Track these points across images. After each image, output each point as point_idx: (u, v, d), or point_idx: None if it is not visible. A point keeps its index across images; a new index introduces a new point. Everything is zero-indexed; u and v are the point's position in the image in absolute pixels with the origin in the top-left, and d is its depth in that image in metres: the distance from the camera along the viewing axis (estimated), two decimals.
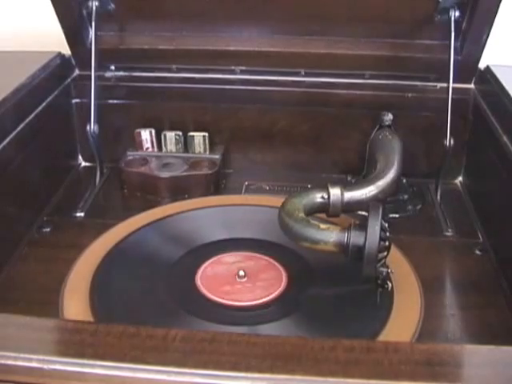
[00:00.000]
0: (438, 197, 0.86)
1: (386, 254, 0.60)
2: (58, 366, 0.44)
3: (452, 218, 0.83)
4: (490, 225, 0.80)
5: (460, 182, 0.92)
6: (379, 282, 0.61)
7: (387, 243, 0.60)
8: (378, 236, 0.58)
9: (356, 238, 0.60)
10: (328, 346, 0.44)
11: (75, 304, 0.63)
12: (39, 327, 0.48)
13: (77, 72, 0.94)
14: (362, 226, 0.60)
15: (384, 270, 0.61)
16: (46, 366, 0.44)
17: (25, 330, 0.47)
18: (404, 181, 0.87)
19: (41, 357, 0.44)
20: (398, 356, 0.44)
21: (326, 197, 0.67)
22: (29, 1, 1.00)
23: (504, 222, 0.75)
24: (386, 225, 0.61)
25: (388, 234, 0.60)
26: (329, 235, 0.61)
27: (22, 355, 0.44)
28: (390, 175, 0.72)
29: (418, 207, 0.84)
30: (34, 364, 0.44)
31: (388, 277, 0.62)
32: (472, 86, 0.89)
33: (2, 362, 0.44)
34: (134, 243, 0.73)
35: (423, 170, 0.90)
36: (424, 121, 0.89)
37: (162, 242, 0.74)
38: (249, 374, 0.42)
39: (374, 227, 0.58)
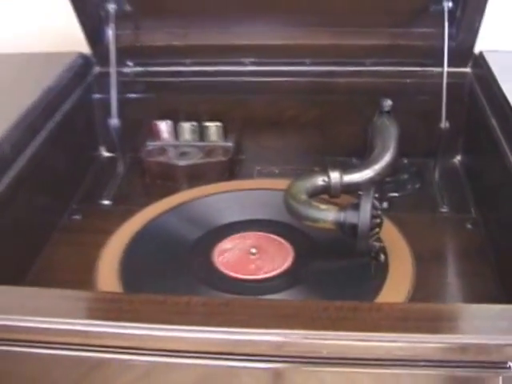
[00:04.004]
0: (436, 175, 0.96)
1: (377, 230, 0.72)
2: (103, 329, 0.54)
3: (448, 195, 0.92)
4: (481, 201, 0.89)
5: (458, 161, 1.01)
6: (373, 255, 0.72)
7: (379, 220, 0.72)
8: (369, 214, 0.69)
9: (351, 216, 0.71)
10: (322, 307, 0.55)
11: (107, 279, 0.73)
12: (86, 298, 0.60)
13: (97, 69, 1.03)
14: (357, 205, 0.71)
15: (377, 244, 0.72)
16: (93, 329, 0.54)
17: (74, 301, 0.59)
18: (405, 161, 0.97)
19: (89, 321, 0.55)
20: (379, 314, 0.55)
21: (326, 180, 0.78)
22: (50, 5, 1.10)
23: (493, 199, 0.84)
24: (379, 204, 0.72)
25: (379, 212, 0.72)
26: (327, 214, 0.72)
27: (73, 320, 0.54)
28: (386, 159, 0.83)
29: (417, 186, 0.94)
30: (83, 328, 0.54)
31: (382, 250, 0.73)
32: (469, 70, 0.97)
33: (57, 326, 0.54)
34: (158, 225, 0.82)
35: (424, 150, 0.98)
36: (423, 104, 0.97)
37: (183, 224, 0.83)
38: (257, 330, 0.52)
39: (366, 207, 0.69)
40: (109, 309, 0.58)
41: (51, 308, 0.57)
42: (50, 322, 0.55)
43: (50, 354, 0.57)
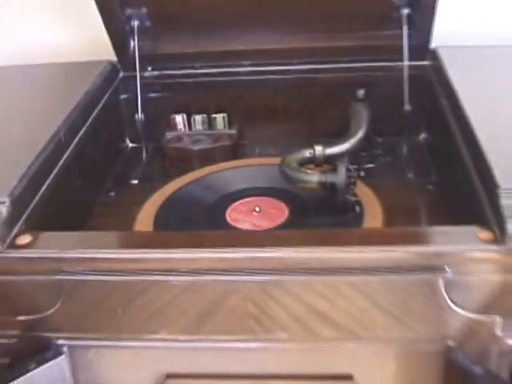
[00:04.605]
0: (404, 150, 1.13)
1: (352, 187, 0.90)
2: (151, 255, 0.70)
3: (414, 165, 1.08)
4: (440, 169, 1.04)
5: (423, 138, 1.17)
6: (350, 207, 0.90)
7: (353, 180, 0.90)
8: (344, 175, 0.88)
9: (330, 177, 0.89)
10: (308, 234, 0.74)
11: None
12: (135, 235, 0.78)
13: (122, 74, 1.17)
14: (335, 169, 0.89)
15: (352, 198, 0.90)
16: (148, 256, 0.70)
17: (127, 238, 0.76)
18: (379, 139, 1.14)
19: (139, 250, 0.71)
20: (349, 235, 0.73)
21: (312, 152, 0.96)
22: (85, 23, 1.26)
23: (448, 167, 0.97)
24: (354, 170, 0.90)
25: (353, 174, 0.90)
26: (313, 177, 0.90)
27: (125, 250, 0.72)
28: (359, 135, 1.00)
29: (389, 159, 1.11)
30: (135, 255, 0.71)
31: (357, 204, 0.90)
32: (428, 62, 1.13)
33: (116, 256, 0.70)
34: (182, 193, 0.96)
35: (394, 130, 1.13)
36: (392, 92, 1.11)
37: (201, 192, 0.97)
38: (262, 248, 0.70)
39: (342, 169, 0.88)
40: (153, 241, 0.75)
41: (112, 243, 0.75)
42: (112, 253, 0.72)
43: (110, 281, 0.71)
